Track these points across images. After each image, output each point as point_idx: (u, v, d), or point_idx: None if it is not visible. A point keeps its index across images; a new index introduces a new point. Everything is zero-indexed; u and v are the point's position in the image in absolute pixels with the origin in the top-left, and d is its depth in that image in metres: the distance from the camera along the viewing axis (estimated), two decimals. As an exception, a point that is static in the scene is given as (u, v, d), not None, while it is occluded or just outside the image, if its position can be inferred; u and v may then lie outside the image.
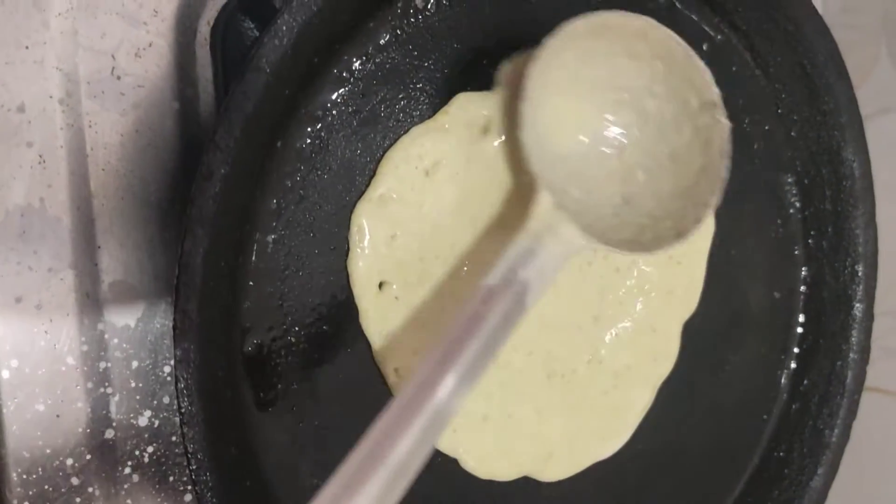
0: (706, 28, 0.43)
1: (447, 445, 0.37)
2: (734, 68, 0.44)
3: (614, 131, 0.37)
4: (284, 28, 0.31)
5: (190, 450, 0.30)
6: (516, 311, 0.32)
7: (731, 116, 0.44)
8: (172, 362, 0.29)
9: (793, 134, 0.45)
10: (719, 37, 0.43)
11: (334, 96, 0.34)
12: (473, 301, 0.31)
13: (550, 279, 0.33)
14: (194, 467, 0.30)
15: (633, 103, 0.37)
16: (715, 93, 0.36)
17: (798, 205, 0.46)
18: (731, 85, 0.44)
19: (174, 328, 0.29)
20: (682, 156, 0.36)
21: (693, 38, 0.42)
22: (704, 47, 0.43)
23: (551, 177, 0.35)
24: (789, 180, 0.46)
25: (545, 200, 0.34)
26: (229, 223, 0.31)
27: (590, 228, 0.34)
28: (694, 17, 0.42)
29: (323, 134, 0.34)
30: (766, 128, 0.45)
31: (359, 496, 0.26)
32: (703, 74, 0.36)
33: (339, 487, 0.26)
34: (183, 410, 0.30)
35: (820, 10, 0.60)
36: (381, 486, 0.26)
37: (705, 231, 0.43)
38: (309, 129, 0.34)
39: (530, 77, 0.34)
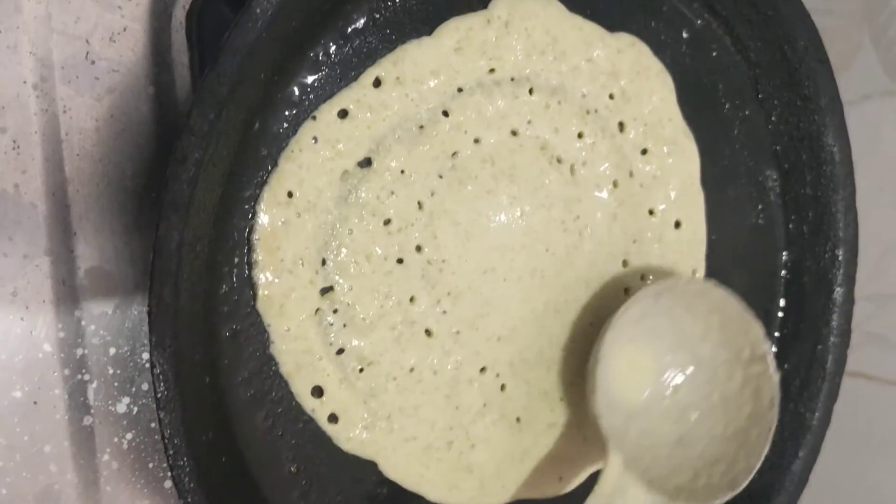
0: (686, 13, 0.43)
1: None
2: (714, 53, 0.44)
3: (670, 374, 0.39)
4: (259, 10, 0.30)
5: (167, 435, 0.30)
6: None
7: (712, 101, 0.44)
8: (149, 348, 0.29)
9: (773, 119, 0.45)
10: (699, 22, 0.43)
11: (311, 80, 0.34)
12: None
13: None
14: (171, 453, 0.30)
15: (689, 347, 0.39)
16: (766, 348, 0.39)
17: (779, 190, 0.46)
18: (711, 70, 0.44)
19: (149, 313, 0.29)
20: (733, 400, 0.39)
21: (673, 23, 0.42)
22: (685, 33, 0.43)
23: (613, 422, 0.37)
24: (770, 165, 0.46)
25: (616, 464, 0.36)
26: (205, 209, 0.31)
27: (647, 472, 0.37)
28: (675, 2, 0.42)
29: (300, 118, 0.34)
30: (747, 113, 0.45)
31: None
32: (756, 329, 0.39)
33: None
34: (159, 396, 0.30)
35: (802, -4, 0.60)
36: None
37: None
38: (286, 113, 0.34)
39: (605, 342, 0.37)
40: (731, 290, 0.46)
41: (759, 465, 0.38)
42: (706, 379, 0.39)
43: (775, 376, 0.39)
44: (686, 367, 0.40)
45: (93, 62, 0.35)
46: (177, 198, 0.29)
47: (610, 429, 0.37)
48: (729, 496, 0.37)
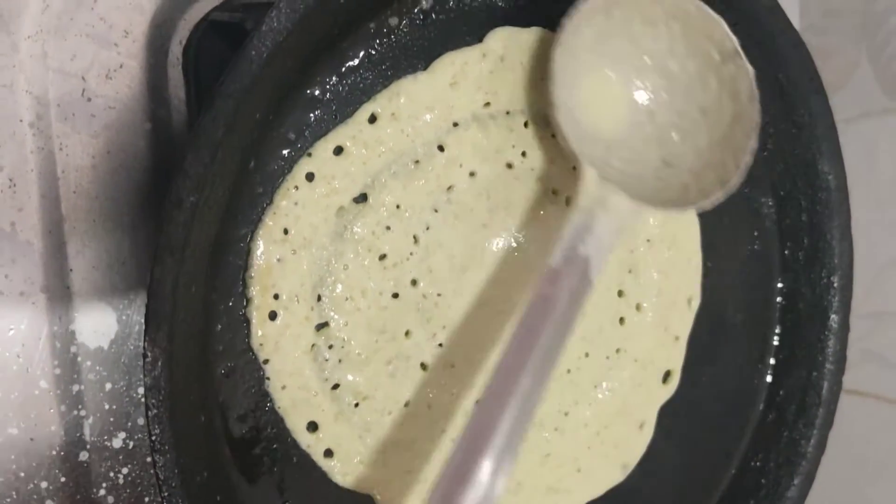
0: (682, 42, 0.43)
1: None
2: (710, 82, 0.44)
3: (643, 97, 0.38)
4: (254, 52, 0.30)
5: (161, 477, 0.30)
6: (583, 287, 0.33)
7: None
8: (144, 391, 0.29)
9: (769, 146, 0.45)
10: (695, 50, 0.43)
11: (306, 117, 0.34)
12: (541, 284, 0.32)
13: (609, 251, 0.35)
14: (166, 495, 0.30)
15: (657, 67, 0.37)
16: (734, 42, 0.36)
17: (774, 217, 0.46)
18: (706, 98, 0.44)
19: (143, 357, 0.29)
20: (713, 108, 0.37)
21: (668, 52, 0.42)
22: (680, 61, 0.43)
23: (591, 153, 0.36)
24: (765, 192, 0.46)
25: (590, 175, 0.35)
26: (200, 249, 0.31)
27: (636, 195, 0.35)
28: (669, 31, 0.42)
29: (296, 155, 0.34)
30: (743, 140, 0.45)
31: None
32: (720, 26, 0.36)
33: None
34: (154, 438, 0.30)
35: (799, 15, 0.60)
36: None
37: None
38: (282, 151, 0.34)
39: (556, 60, 0.35)
40: (727, 317, 0.46)
41: (749, 161, 0.37)
42: (681, 95, 0.38)
43: (750, 70, 0.37)
44: (658, 88, 0.38)
45: (89, 99, 0.35)
46: (172, 241, 0.29)
47: (580, 149, 0.36)
48: (722, 195, 0.37)
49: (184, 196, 0.30)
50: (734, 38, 0.37)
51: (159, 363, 0.30)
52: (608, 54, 0.37)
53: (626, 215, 0.35)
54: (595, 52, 0.37)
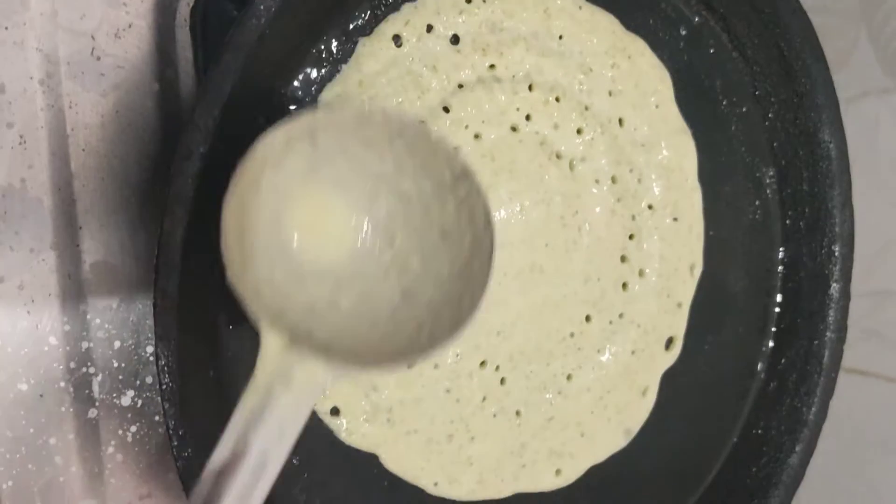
0: (684, 10, 0.43)
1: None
2: (712, 50, 0.44)
3: (378, 220, 0.33)
4: (262, 7, 0.31)
5: (171, 426, 0.30)
6: (259, 482, 0.27)
7: (709, 98, 0.45)
8: (154, 341, 0.30)
9: (770, 115, 0.46)
10: (697, 19, 0.43)
11: (314, 75, 0.35)
12: (199, 492, 0.26)
13: (294, 433, 0.28)
14: (176, 444, 0.30)
15: (389, 188, 0.33)
16: (461, 163, 0.32)
17: (775, 186, 0.46)
18: (708, 67, 0.44)
19: (154, 306, 0.30)
20: (453, 231, 0.33)
21: (671, 20, 0.43)
22: (682, 30, 0.43)
23: (303, 300, 0.31)
24: (767, 161, 0.46)
25: (271, 345, 0.28)
26: (209, 202, 0.31)
27: (365, 339, 0.31)
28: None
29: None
30: (744, 109, 0.45)
31: None
32: (443, 146, 0.32)
33: None
34: (164, 387, 0.30)
35: (800, -6, 0.60)
36: None
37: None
38: (291, 108, 0.34)
39: (227, 209, 0.28)
40: (728, 286, 0.46)
41: (483, 299, 0.32)
42: (420, 217, 0.33)
43: (482, 190, 0.32)
44: (395, 212, 0.33)
45: (98, 58, 0.35)
46: (181, 193, 0.30)
47: (267, 304, 0.29)
48: (450, 340, 0.31)
49: (193, 148, 0.30)
50: (462, 160, 0.32)
51: (169, 313, 0.30)
52: (329, 182, 0.32)
53: (321, 384, 0.29)
54: (310, 185, 0.31)
